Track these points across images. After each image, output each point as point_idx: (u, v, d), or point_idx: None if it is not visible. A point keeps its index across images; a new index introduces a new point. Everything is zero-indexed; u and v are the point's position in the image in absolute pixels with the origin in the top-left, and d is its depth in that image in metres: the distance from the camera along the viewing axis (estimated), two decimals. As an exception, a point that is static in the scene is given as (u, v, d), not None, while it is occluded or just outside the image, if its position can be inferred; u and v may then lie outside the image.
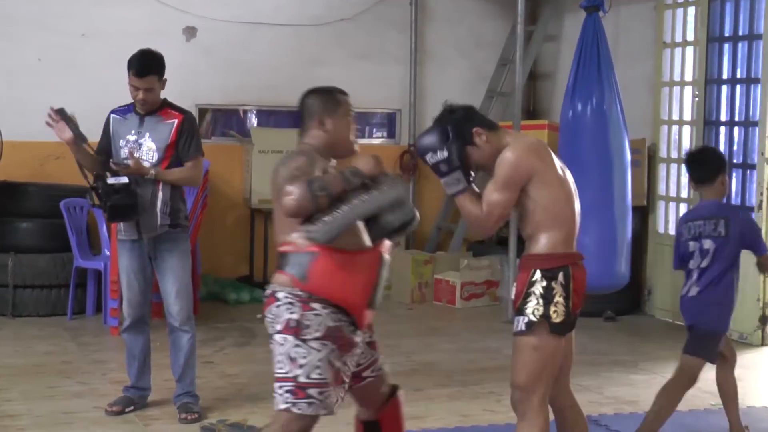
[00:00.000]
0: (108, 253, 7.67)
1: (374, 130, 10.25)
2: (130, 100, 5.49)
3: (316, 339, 3.66)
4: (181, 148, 5.42)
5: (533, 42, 9.78)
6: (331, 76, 9.94)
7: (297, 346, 3.67)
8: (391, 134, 10.12)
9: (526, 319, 3.89)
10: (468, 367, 6.83)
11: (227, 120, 9.71)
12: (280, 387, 3.71)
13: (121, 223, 5.44)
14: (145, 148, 5.39)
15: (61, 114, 5.31)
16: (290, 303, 3.68)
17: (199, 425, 5.31)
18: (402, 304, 8.95)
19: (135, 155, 5.33)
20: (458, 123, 3.95)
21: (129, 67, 5.38)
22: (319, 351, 3.67)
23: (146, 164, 5.35)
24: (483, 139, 3.96)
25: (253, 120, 9.72)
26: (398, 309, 8.75)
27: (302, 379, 3.66)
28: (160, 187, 5.37)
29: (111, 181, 5.29)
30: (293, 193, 3.56)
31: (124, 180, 5.29)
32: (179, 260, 5.46)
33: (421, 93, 9.78)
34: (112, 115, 5.54)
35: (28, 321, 7.81)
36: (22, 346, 7.06)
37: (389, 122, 10.10)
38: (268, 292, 3.77)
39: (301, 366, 3.66)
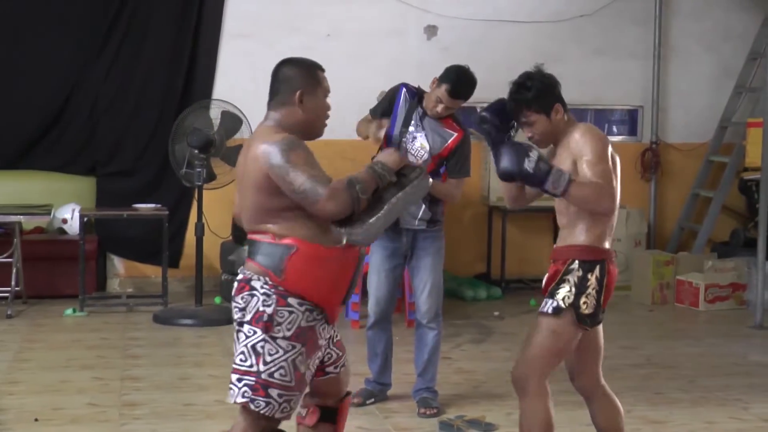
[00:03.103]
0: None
1: (614, 128, 10.03)
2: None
3: (286, 338, 3.47)
4: (453, 164, 5.41)
5: (786, 34, 9.32)
6: (568, 73, 9.85)
7: (265, 341, 3.46)
8: (632, 131, 9.86)
9: (555, 303, 3.93)
10: (712, 372, 6.57)
11: (465, 118, 9.71)
12: (239, 380, 3.50)
13: None
14: (418, 143, 5.38)
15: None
16: (266, 295, 3.47)
17: (438, 420, 5.36)
18: (642, 305, 8.72)
19: (405, 146, 5.34)
20: (541, 93, 3.96)
21: (444, 80, 5.30)
22: (286, 351, 3.47)
23: (411, 158, 5.30)
24: (558, 117, 3.99)
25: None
26: (638, 310, 8.55)
27: (264, 377, 3.46)
28: None
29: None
30: (335, 198, 3.37)
31: None
32: (434, 258, 5.50)
33: (664, 89, 9.48)
34: (403, 89, 5.46)
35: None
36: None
37: (630, 119, 9.85)
38: (240, 277, 3.55)
39: (266, 363, 3.46)
